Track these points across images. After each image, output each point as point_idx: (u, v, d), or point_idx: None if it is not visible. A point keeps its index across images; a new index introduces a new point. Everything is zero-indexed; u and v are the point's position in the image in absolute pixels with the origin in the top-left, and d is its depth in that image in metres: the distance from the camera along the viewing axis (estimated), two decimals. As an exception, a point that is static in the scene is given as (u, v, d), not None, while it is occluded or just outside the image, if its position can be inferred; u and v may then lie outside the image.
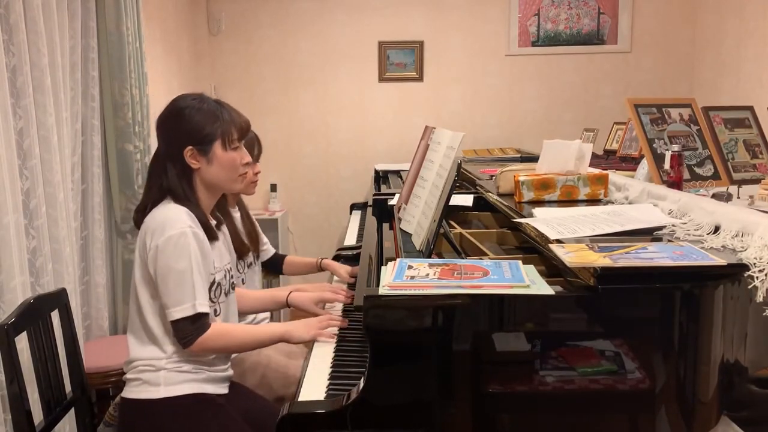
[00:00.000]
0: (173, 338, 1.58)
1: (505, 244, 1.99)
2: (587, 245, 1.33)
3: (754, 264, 1.24)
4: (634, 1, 4.32)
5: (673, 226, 1.54)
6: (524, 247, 1.87)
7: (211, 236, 1.63)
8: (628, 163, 3.02)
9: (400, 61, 4.43)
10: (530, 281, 1.26)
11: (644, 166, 2.16)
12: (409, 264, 1.36)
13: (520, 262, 1.39)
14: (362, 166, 4.49)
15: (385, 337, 1.24)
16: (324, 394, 1.45)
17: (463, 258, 1.69)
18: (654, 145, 2.04)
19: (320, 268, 2.39)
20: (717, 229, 1.45)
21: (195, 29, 4.34)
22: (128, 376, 1.62)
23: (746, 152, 2.10)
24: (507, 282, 1.25)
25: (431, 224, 1.69)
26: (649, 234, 1.50)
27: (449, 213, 2.10)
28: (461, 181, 2.66)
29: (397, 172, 3.81)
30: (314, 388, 1.48)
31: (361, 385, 1.25)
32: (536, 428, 1.27)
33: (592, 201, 1.93)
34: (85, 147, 2.62)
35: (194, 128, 1.59)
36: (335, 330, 1.76)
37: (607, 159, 3.34)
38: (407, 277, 1.28)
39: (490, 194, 2.13)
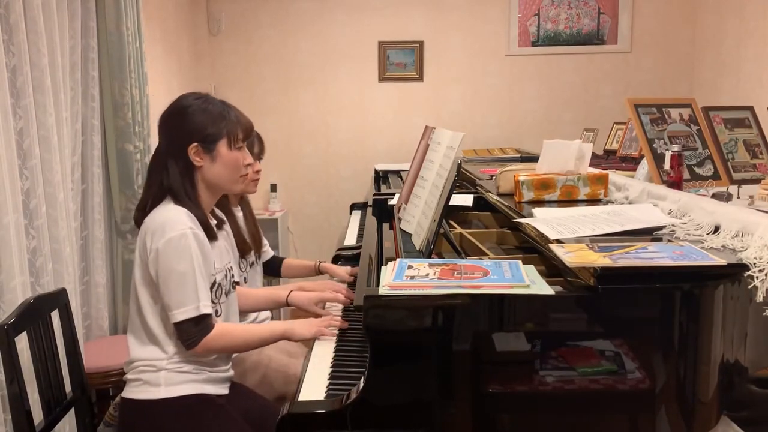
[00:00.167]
0: (174, 339, 1.58)
1: (505, 244, 1.99)
2: (587, 245, 1.33)
3: (754, 264, 1.24)
4: (634, 1, 4.32)
5: (673, 226, 1.54)
6: (524, 247, 1.87)
7: (211, 236, 1.63)
8: (628, 163, 3.02)
9: (400, 61, 4.43)
10: (530, 281, 1.26)
11: (644, 166, 2.16)
12: (409, 264, 1.37)
13: (520, 262, 1.39)
14: (362, 166, 4.49)
15: (385, 337, 1.24)
16: (324, 394, 1.45)
17: (463, 258, 1.69)
18: (654, 145, 2.04)
19: (318, 272, 2.39)
20: (717, 229, 1.45)
21: (195, 29, 4.34)
22: (128, 376, 1.62)
23: (746, 152, 2.10)
24: (507, 282, 1.25)
25: (431, 224, 1.69)
26: (649, 234, 1.50)
27: (449, 213, 2.10)
28: (461, 181, 2.66)
29: (397, 172, 3.81)
30: (314, 387, 1.48)
31: (361, 385, 1.25)
32: (536, 428, 1.27)
33: (592, 201, 1.93)
34: (85, 147, 2.62)
35: (201, 126, 1.59)
36: (335, 330, 1.77)
37: (607, 159, 3.34)
38: (407, 277, 1.28)
39: (490, 194, 2.13)
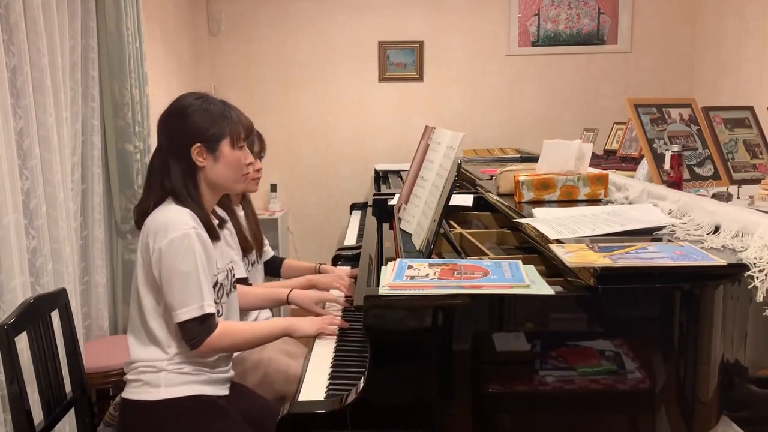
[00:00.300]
0: (176, 340, 1.58)
1: (505, 244, 1.99)
2: (587, 245, 1.33)
3: (754, 264, 1.24)
4: (634, 1, 4.32)
5: (673, 226, 1.54)
6: (524, 247, 1.87)
7: (214, 236, 1.63)
8: (628, 163, 3.02)
9: (400, 61, 4.43)
10: (530, 281, 1.26)
11: (644, 166, 2.16)
12: (409, 264, 1.37)
13: (520, 262, 1.39)
14: (362, 166, 4.49)
15: (385, 337, 1.24)
16: (324, 394, 1.45)
17: (463, 258, 1.69)
18: (654, 145, 2.04)
19: (318, 273, 2.39)
20: (717, 229, 1.45)
21: (195, 29, 4.34)
22: (128, 377, 1.62)
23: (746, 152, 2.10)
24: (507, 282, 1.25)
25: (431, 224, 1.69)
26: (649, 234, 1.50)
27: (449, 213, 2.10)
28: (461, 181, 2.66)
29: (397, 172, 3.81)
30: (314, 388, 1.48)
31: (361, 385, 1.25)
32: (536, 428, 1.27)
33: (592, 201, 1.93)
34: (85, 147, 2.62)
35: (203, 126, 1.58)
36: (335, 329, 1.77)
37: (607, 159, 3.34)
38: (407, 277, 1.28)
39: (490, 194, 2.13)
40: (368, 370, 1.24)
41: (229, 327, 1.61)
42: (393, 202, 2.38)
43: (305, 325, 1.74)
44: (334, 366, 1.59)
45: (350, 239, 3.08)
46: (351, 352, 1.66)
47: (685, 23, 4.34)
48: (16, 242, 2.02)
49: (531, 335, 1.22)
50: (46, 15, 2.23)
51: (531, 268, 1.36)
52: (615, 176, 2.09)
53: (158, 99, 2.95)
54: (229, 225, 2.07)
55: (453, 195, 1.69)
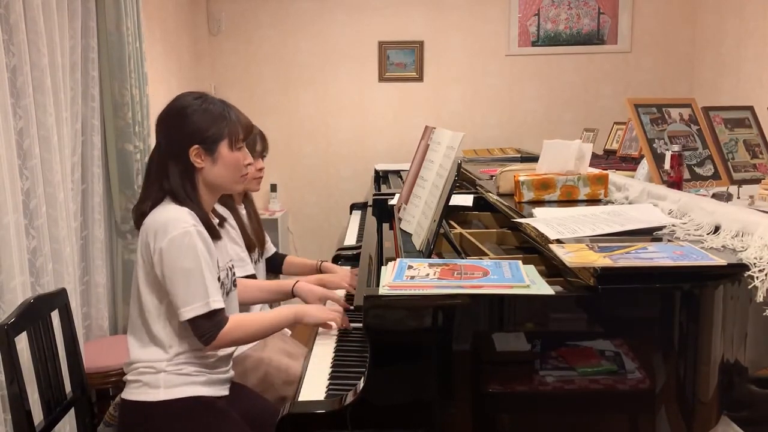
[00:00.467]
0: (177, 340, 1.57)
1: (505, 244, 1.99)
2: (587, 245, 1.33)
3: (754, 264, 1.24)
4: (634, 1, 4.32)
5: (673, 226, 1.54)
6: (524, 247, 1.87)
7: (214, 235, 1.63)
8: (628, 163, 3.02)
9: (400, 61, 4.43)
10: (530, 281, 1.26)
11: (644, 166, 2.16)
12: (409, 264, 1.37)
13: (520, 262, 1.39)
14: (362, 166, 4.49)
15: (385, 337, 1.24)
16: (324, 394, 1.45)
17: (463, 258, 1.69)
18: (654, 145, 2.04)
19: (320, 271, 2.39)
20: (717, 229, 1.45)
21: (195, 29, 4.34)
22: (128, 377, 1.62)
23: (746, 152, 2.10)
24: (507, 282, 1.25)
25: (431, 224, 1.69)
26: (649, 234, 1.50)
27: (449, 213, 2.10)
28: (461, 181, 2.66)
29: (397, 172, 3.81)
30: (314, 388, 1.49)
31: (361, 385, 1.25)
32: (536, 428, 1.27)
33: (592, 201, 1.93)
34: (85, 147, 2.62)
35: (201, 127, 1.57)
36: (335, 331, 1.77)
37: (607, 159, 3.34)
38: (407, 277, 1.28)
39: (490, 194, 2.13)
40: (368, 370, 1.24)
41: (239, 319, 1.61)
42: (393, 202, 2.38)
43: (316, 311, 1.74)
44: (334, 366, 1.59)
45: (350, 239, 3.08)
46: (351, 352, 1.66)
47: (685, 23, 4.34)
48: (16, 242, 2.02)
49: (531, 335, 1.22)
50: (46, 15, 2.23)
51: (531, 268, 1.36)
52: (615, 176, 2.09)
53: (158, 99, 2.93)
54: (232, 222, 2.07)
55: (453, 195, 1.69)
